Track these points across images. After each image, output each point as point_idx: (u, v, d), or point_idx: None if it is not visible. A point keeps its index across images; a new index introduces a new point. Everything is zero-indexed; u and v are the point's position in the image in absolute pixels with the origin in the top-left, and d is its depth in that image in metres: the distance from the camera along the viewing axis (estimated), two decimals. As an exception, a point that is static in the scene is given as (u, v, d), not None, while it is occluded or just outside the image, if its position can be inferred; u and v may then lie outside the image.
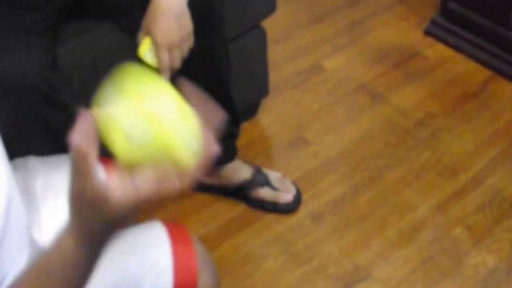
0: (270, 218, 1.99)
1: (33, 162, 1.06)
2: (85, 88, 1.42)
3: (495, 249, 1.90)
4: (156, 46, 1.48)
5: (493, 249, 1.90)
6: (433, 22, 2.63)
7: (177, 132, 0.66)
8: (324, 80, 2.45)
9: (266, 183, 2.00)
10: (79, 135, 0.65)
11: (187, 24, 1.51)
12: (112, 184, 0.65)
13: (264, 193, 1.99)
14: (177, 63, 1.52)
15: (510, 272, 1.84)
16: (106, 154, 0.67)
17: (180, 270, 1.00)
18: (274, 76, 2.29)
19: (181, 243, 0.81)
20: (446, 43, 2.58)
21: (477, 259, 1.87)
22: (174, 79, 1.43)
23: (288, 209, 2.01)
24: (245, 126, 2.17)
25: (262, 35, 2.09)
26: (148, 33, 1.49)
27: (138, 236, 1.00)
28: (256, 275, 1.83)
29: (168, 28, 1.47)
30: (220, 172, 1.99)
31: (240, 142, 2.00)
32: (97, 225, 0.69)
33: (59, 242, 0.72)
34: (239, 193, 2.02)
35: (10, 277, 0.75)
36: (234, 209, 2.01)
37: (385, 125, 2.28)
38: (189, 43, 1.53)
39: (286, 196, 1.99)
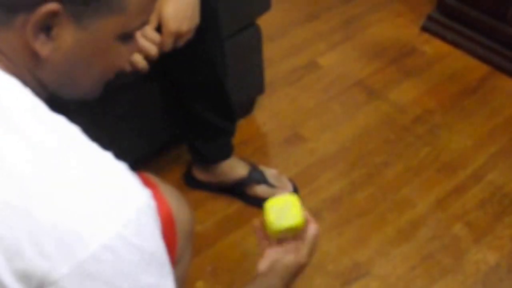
0: (268, 215, 1.96)
1: None
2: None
3: (496, 246, 1.89)
4: (165, 31, 1.46)
5: (493, 246, 1.89)
6: (429, 18, 2.63)
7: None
8: (320, 77, 2.44)
9: (263, 180, 1.99)
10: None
11: (196, 17, 1.50)
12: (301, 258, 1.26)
13: (260, 190, 1.98)
14: (169, 49, 1.50)
15: (511, 269, 1.83)
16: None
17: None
18: (269, 73, 2.29)
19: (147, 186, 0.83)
20: (443, 39, 2.58)
21: (477, 256, 1.86)
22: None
23: (285, 206, 1.98)
24: (241, 123, 2.16)
25: (258, 32, 2.08)
26: (159, 16, 1.46)
27: None
28: (254, 272, 1.76)
29: (182, 16, 1.46)
30: (216, 170, 1.98)
31: (236, 139, 1.98)
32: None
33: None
34: (236, 190, 2.00)
35: None
36: (230, 206, 2.00)
37: (382, 122, 2.27)
38: (189, 36, 1.52)
39: (283, 193, 1.95)
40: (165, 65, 1.64)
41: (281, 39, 2.60)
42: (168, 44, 1.48)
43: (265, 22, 2.08)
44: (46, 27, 0.80)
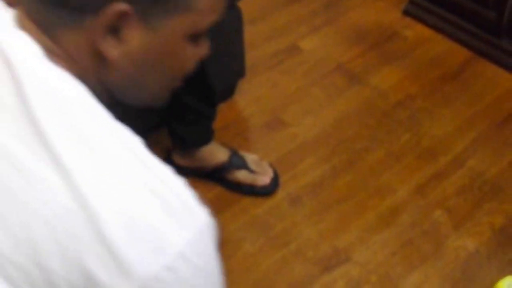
0: (248, 201, 1.97)
1: None
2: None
3: (476, 233, 1.90)
4: None
5: (473, 232, 1.90)
6: (411, 2, 2.62)
7: None
8: (301, 61, 2.43)
9: (243, 165, 1.98)
10: None
11: None
12: None
13: (241, 175, 1.97)
14: None
15: (490, 256, 1.84)
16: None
17: None
18: (250, 57, 2.27)
19: None
20: (425, 23, 2.57)
21: (457, 243, 1.87)
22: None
23: (266, 191, 1.98)
24: (222, 108, 2.13)
25: (239, 15, 2.05)
26: None
27: None
28: (233, 259, 1.81)
29: None
30: (196, 155, 1.96)
31: (217, 124, 1.97)
32: None
33: None
34: (216, 175, 1.99)
35: None
36: (210, 192, 1.98)
37: (363, 107, 2.27)
38: None
39: (264, 178, 1.97)
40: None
41: (262, 23, 2.58)
42: None
43: (246, 5, 2.06)
44: (114, 29, 0.78)
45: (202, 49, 0.90)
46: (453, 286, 1.77)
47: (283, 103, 2.26)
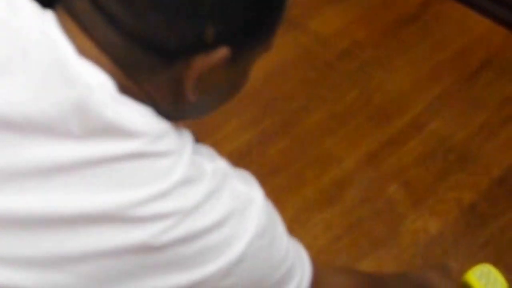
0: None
1: None
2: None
3: (439, 211, 1.83)
4: None
5: (436, 211, 1.83)
6: None
7: None
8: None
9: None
10: None
11: None
12: None
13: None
14: None
15: (457, 239, 1.75)
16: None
17: None
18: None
19: None
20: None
21: (416, 224, 1.80)
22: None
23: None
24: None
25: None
26: None
27: None
28: None
29: None
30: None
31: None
32: None
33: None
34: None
35: None
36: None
37: (301, 57, 2.19)
38: None
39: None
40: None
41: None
42: None
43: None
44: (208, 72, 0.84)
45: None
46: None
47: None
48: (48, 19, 0.81)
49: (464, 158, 1.94)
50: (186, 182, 0.80)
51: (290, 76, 2.13)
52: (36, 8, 0.82)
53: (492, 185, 1.88)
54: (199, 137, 1.75)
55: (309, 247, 1.60)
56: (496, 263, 1.65)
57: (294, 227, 1.75)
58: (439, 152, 1.95)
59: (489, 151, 1.95)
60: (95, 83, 0.78)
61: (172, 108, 0.87)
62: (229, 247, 0.83)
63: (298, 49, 2.21)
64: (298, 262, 0.98)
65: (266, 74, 2.11)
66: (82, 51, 0.79)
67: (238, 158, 1.89)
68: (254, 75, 1.95)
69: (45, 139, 0.78)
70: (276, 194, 1.71)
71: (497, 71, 2.15)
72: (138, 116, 0.80)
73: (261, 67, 1.98)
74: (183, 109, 0.89)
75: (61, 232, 0.78)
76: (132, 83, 0.82)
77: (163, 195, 0.78)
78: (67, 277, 0.80)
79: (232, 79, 0.88)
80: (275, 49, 2.11)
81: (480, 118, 2.03)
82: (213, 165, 0.87)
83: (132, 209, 0.77)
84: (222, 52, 0.79)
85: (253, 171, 1.74)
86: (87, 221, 0.78)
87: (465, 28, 2.29)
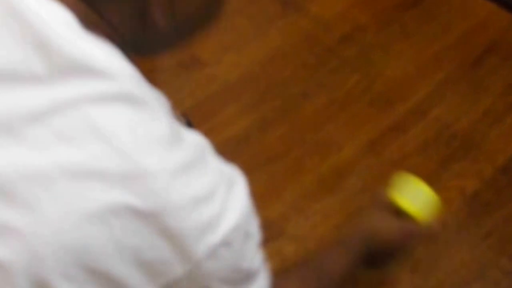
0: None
1: None
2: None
3: (442, 200, 1.71)
4: None
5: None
6: None
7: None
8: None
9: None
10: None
11: None
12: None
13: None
14: None
15: (460, 228, 1.71)
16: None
17: None
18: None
19: None
20: None
21: None
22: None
23: (178, 147, 1.81)
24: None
25: None
26: None
27: None
28: None
29: None
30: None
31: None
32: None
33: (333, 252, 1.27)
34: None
35: None
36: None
37: (300, 41, 2.14)
38: None
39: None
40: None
41: None
42: None
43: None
44: None
45: None
46: (412, 267, 1.65)
47: (199, 36, 2.04)
48: None
49: (467, 145, 1.92)
50: (171, 141, 0.77)
51: (289, 60, 2.10)
52: None
53: (496, 173, 1.85)
54: (194, 122, 1.68)
55: (308, 235, 1.71)
56: (500, 253, 1.65)
57: (294, 216, 1.76)
58: (442, 139, 1.92)
59: (493, 138, 1.92)
60: (55, 18, 0.75)
61: (140, 37, 0.84)
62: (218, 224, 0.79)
63: (298, 32, 2.18)
64: (263, 268, 0.93)
65: (264, 59, 2.10)
66: None
67: (236, 145, 1.90)
68: (252, 60, 1.97)
69: (11, 87, 0.74)
70: (275, 182, 1.81)
71: (502, 56, 2.12)
72: (108, 54, 0.77)
73: (260, 51, 2.00)
74: (153, 39, 0.87)
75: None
76: (95, 16, 0.79)
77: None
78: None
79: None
80: (274, 32, 2.04)
81: (484, 105, 2.01)
82: (193, 136, 0.83)
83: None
84: None
85: (251, 158, 1.73)
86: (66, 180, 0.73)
87: (468, 12, 2.25)
